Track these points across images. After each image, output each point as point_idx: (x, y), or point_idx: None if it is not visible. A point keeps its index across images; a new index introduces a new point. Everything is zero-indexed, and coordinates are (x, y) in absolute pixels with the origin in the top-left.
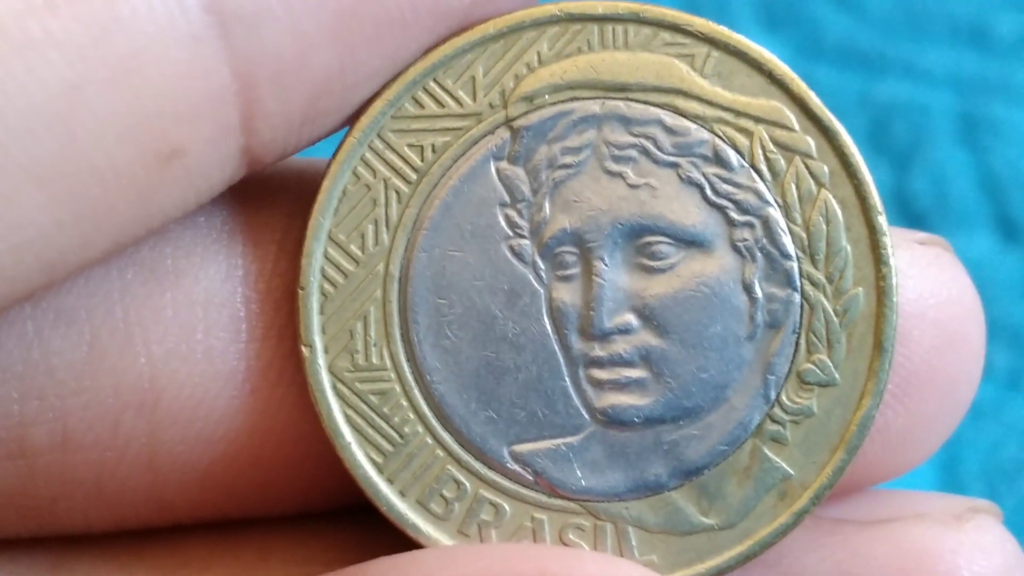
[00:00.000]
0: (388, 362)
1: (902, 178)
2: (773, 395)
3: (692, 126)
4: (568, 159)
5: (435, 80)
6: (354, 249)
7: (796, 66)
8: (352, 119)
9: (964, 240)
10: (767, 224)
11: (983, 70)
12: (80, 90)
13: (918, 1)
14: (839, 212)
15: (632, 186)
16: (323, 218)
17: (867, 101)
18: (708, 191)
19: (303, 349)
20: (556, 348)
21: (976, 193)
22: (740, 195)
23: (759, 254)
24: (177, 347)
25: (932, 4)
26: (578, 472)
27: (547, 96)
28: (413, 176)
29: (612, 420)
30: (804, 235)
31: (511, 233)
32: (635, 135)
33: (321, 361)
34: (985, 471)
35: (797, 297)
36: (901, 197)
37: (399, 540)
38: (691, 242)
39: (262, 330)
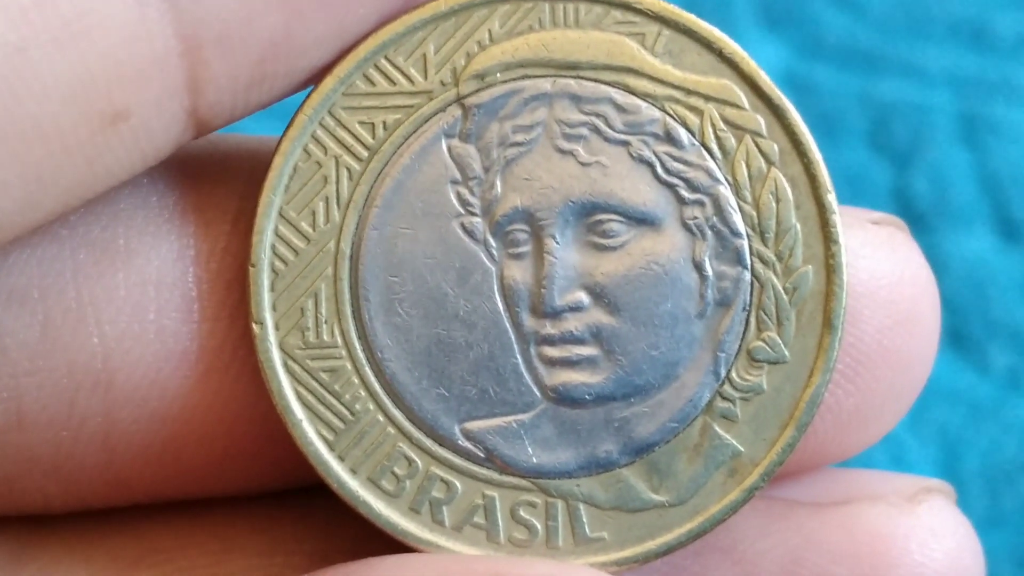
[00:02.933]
0: (339, 339)
1: (902, 178)
2: (723, 372)
3: (643, 104)
4: (519, 137)
5: (386, 57)
6: (305, 226)
7: (796, 66)
8: (300, 88)
9: (964, 240)
10: (717, 202)
11: (983, 70)
12: (24, 52)
13: (918, 1)
14: (789, 190)
15: (583, 164)
16: (274, 195)
17: (867, 101)
18: (659, 169)
19: (254, 326)
20: (507, 326)
21: (976, 193)
22: (691, 173)
23: (709, 232)
24: (129, 327)
25: (932, 4)
26: (529, 449)
27: (498, 74)
28: (364, 154)
29: (563, 398)
30: (754, 213)
31: (462, 211)
32: (586, 113)
33: (272, 338)
34: (985, 471)
35: (747, 275)
36: (901, 197)
37: (357, 525)
38: (642, 220)
39: (214, 310)
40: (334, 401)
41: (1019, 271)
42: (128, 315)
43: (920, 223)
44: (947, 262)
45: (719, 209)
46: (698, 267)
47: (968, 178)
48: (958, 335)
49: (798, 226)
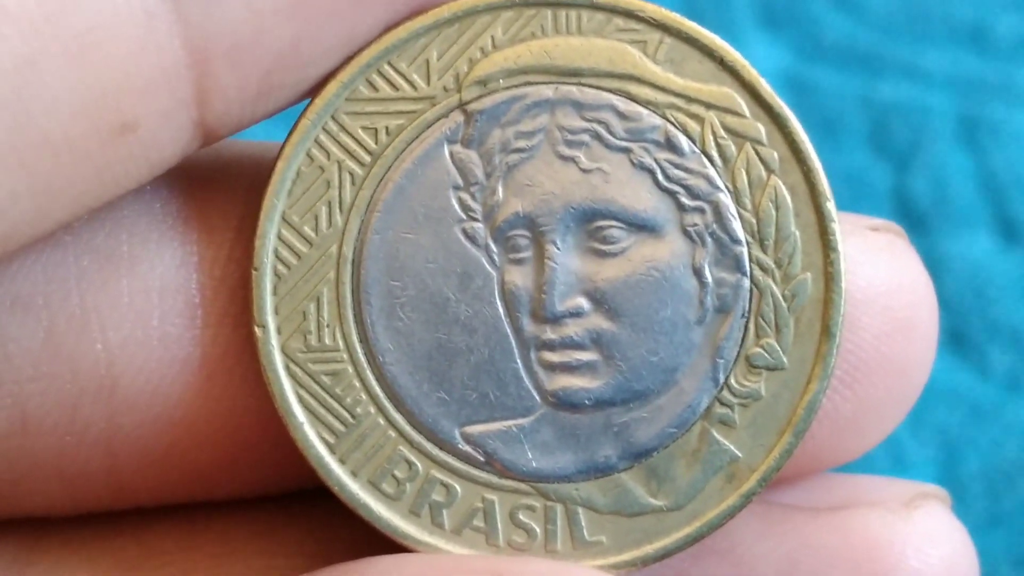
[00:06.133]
0: (341, 343)
1: (902, 178)
2: (722, 378)
3: (644, 112)
4: (521, 143)
5: (389, 63)
6: (307, 231)
7: (796, 66)
8: (307, 96)
9: (964, 240)
10: (717, 209)
11: (983, 71)
12: (35, 65)
13: (918, 1)
14: (788, 198)
15: (584, 170)
16: (277, 199)
17: (867, 101)
18: (659, 176)
19: (256, 330)
20: (508, 331)
21: (976, 193)
22: (691, 180)
23: (709, 239)
24: (133, 333)
25: (932, 4)
26: (529, 454)
27: (501, 80)
28: (367, 158)
29: (563, 402)
30: (754, 220)
31: (464, 216)
32: (588, 120)
33: (274, 342)
34: (985, 471)
35: (746, 282)
36: (901, 197)
37: (356, 527)
38: (642, 227)
39: (217, 316)
40: (335, 404)
41: (1019, 272)
42: (132, 321)
43: (920, 224)
44: (947, 263)
45: (719, 216)
46: (698, 274)
47: (968, 179)
48: (958, 336)
49: (797, 234)
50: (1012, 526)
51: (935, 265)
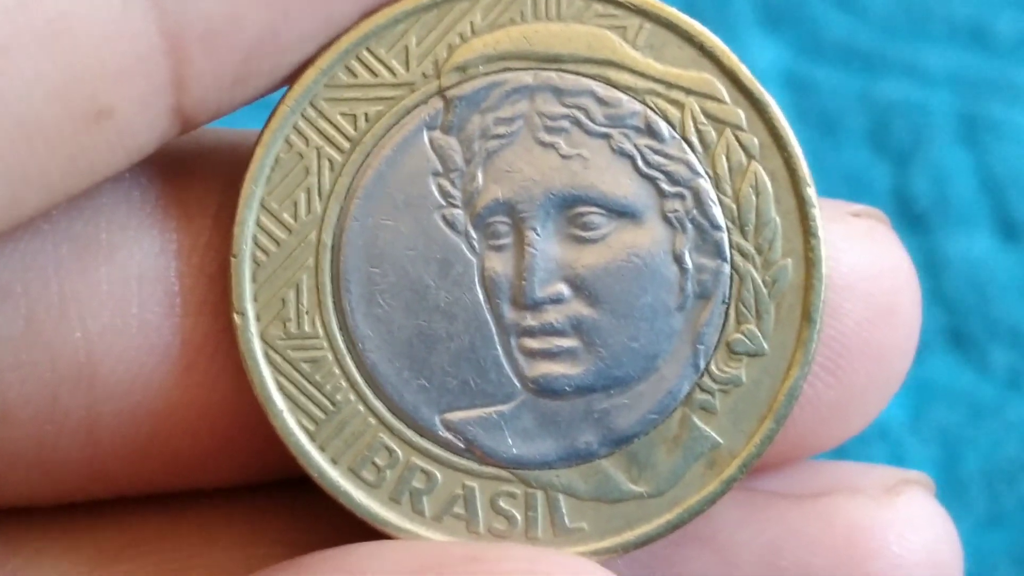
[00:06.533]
0: (320, 330)
1: (902, 178)
2: (702, 365)
3: (624, 97)
4: (501, 129)
5: (368, 49)
6: (287, 217)
7: (796, 65)
8: (286, 83)
9: (964, 239)
10: (697, 195)
11: (983, 70)
12: (7, 52)
13: (918, 1)
14: (768, 184)
15: (564, 157)
16: (255, 186)
17: (867, 101)
18: (639, 162)
19: (235, 317)
20: (488, 317)
21: (976, 193)
22: (671, 166)
23: (689, 225)
24: (112, 322)
25: (932, 4)
26: (509, 440)
27: (480, 66)
28: (346, 145)
29: (543, 389)
30: (734, 206)
31: (444, 203)
32: (567, 106)
33: (253, 329)
34: (985, 471)
35: (727, 268)
36: (901, 197)
37: (338, 515)
38: (622, 213)
39: (196, 304)
40: (315, 391)
41: (1019, 271)
42: (111, 310)
43: (920, 223)
44: (947, 262)
45: (699, 202)
46: (678, 260)
47: (968, 178)
48: (958, 335)
49: (778, 219)
50: (1012, 525)
51: (935, 264)
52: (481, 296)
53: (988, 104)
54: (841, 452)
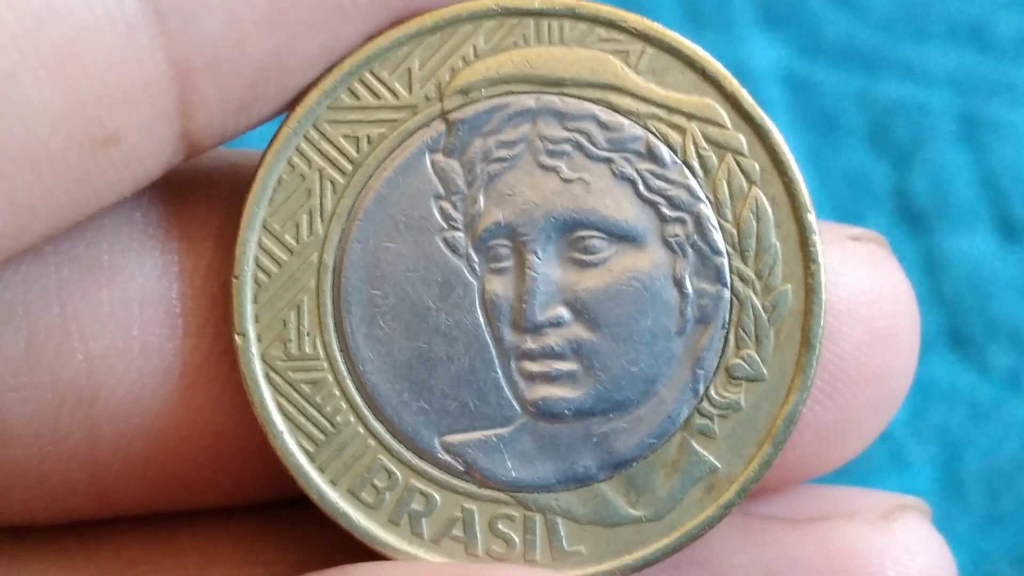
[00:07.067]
0: (321, 352)
1: (902, 178)
2: (701, 389)
3: (626, 122)
4: (503, 152)
5: (371, 71)
6: (288, 239)
7: (796, 64)
8: (290, 107)
9: (964, 239)
10: (698, 220)
11: (983, 70)
12: (15, 79)
13: (918, 1)
14: (769, 209)
15: (566, 180)
16: (258, 207)
17: (867, 101)
18: (641, 187)
19: (236, 338)
20: (488, 340)
21: (976, 193)
22: (672, 191)
23: (690, 250)
24: (114, 343)
25: (932, 4)
26: (508, 463)
27: (483, 90)
28: (348, 167)
29: (543, 412)
30: (734, 231)
31: (445, 225)
32: (569, 130)
33: (254, 350)
34: (985, 471)
35: (727, 293)
36: (901, 197)
37: (337, 536)
38: (623, 237)
39: (198, 326)
40: (315, 413)
41: (1019, 271)
42: (112, 331)
43: (920, 223)
44: (947, 262)
45: (700, 227)
46: (678, 284)
47: (968, 178)
48: (958, 335)
49: (778, 245)
50: (1012, 525)
51: (935, 264)
52: (481, 319)
53: (988, 104)
54: None
